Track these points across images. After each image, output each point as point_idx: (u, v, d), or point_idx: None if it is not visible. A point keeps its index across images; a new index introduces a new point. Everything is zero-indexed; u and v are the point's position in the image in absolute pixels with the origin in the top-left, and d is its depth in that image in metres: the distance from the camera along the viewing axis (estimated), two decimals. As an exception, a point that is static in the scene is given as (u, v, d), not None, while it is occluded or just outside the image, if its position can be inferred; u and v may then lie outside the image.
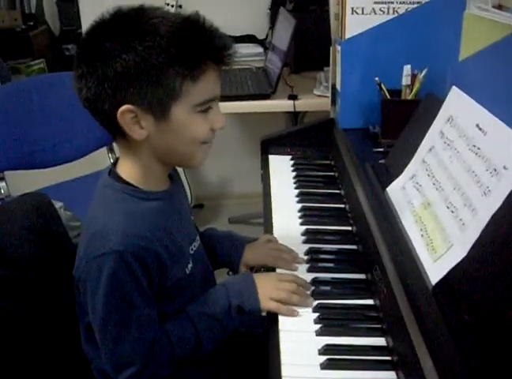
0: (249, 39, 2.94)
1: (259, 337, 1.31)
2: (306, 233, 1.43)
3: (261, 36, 2.99)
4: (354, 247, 1.37)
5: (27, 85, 2.44)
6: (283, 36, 2.44)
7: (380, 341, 1.08)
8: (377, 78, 1.63)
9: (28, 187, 2.23)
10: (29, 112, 2.34)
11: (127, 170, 1.13)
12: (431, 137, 1.21)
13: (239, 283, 1.20)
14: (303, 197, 1.62)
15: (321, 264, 1.32)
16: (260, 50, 2.89)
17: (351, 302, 1.19)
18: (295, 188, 1.68)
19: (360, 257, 1.33)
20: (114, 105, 1.03)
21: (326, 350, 1.05)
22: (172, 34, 1.01)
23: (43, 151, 2.39)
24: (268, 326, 1.15)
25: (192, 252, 1.21)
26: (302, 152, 1.88)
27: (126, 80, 1.01)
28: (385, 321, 1.10)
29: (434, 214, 1.08)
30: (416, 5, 1.65)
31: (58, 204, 1.28)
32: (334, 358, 1.03)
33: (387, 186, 1.30)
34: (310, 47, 2.59)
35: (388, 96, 1.63)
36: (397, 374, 0.99)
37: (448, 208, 1.04)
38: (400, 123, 1.44)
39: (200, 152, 1.13)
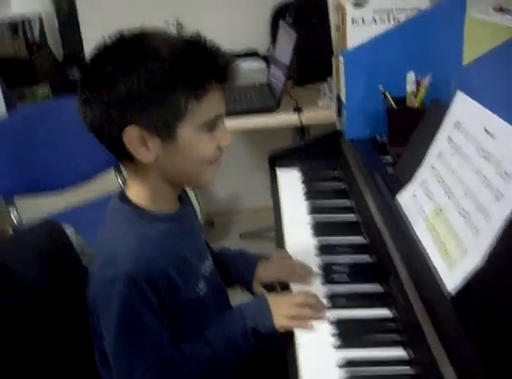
0: (250, 54, 2.94)
1: (277, 352, 1.30)
2: (318, 246, 1.42)
3: (262, 51, 3.00)
4: (368, 258, 1.36)
5: (32, 112, 2.47)
6: (285, 50, 2.45)
7: (400, 353, 1.06)
8: (381, 87, 1.63)
9: (38, 212, 2.24)
10: (35, 138, 2.36)
11: (136, 192, 1.13)
12: (439, 143, 1.21)
13: (253, 305, 1.20)
14: (313, 209, 1.61)
15: (335, 277, 1.31)
16: (262, 64, 2.90)
17: (367, 313, 1.17)
18: (306, 201, 1.67)
19: (375, 268, 1.32)
20: (119, 129, 1.03)
21: (345, 363, 1.04)
22: (174, 56, 1.02)
23: (51, 176, 2.40)
24: (285, 341, 1.14)
25: (204, 272, 1.21)
26: (310, 165, 1.87)
27: (131, 103, 1.01)
28: (403, 332, 1.09)
29: (447, 220, 1.07)
30: (416, 12, 1.65)
31: (69, 230, 1.28)
32: (354, 371, 1.02)
33: (397, 195, 1.29)
34: (313, 59, 2.59)
35: (393, 104, 1.62)
36: (419, 386, 0.98)
37: (460, 213, 1.03)
38: (407, 131, 1.43)
39: (208, 172, 1.13)
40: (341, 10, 1.69)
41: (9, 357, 1.10)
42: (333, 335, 1.12)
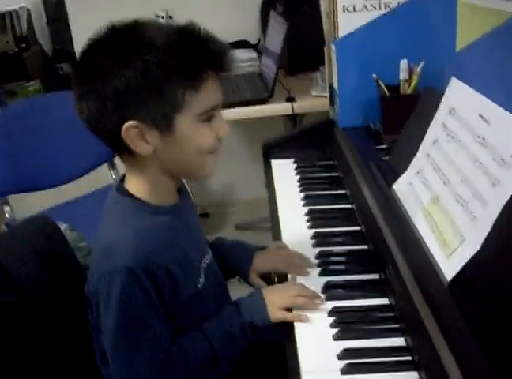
0: (241, 44, 2.93)
1: (276, 344, 1.30)
2: (315, 236, 1.42)
3: (253, 41, 2.99)
4: (365, 247, 1.36)
5: (23, 108, 2.45)
6: (275, 39, 2.43)
7: (399, 341, 1.06)
8: (374, 75, 1.62)
9: (31, 209, 2.23)
10: (27, 135, 2.35)
11: (135, 185, 1.12)
12: (434, 131, 1.20)
13: (249, 299, 1.19)
14: (308, 199, 1.60)
15: (332, 267, 1.30)
16: (253, 54, 2.88)
17: (366, 303, 1.17)
18: (301, 191, 1.66)
19: (372, 257, 1.31)
20: (117, 123, 1.02)
21: (345, 354, 1.03)
22: (169, 45, 1.00)
23: (44, 173, 2.39)
24: (284, 333, 1.14)
25: (204, 266, 1.20)
26: (304, 155, 1.86)
27: (128, 96, 1.00)
28: (402, 320, 1.09)
29: (444, 208, 1.07)
30: (407, -1, 1.64)
31: (63, 226, 1.27)
32: (354, 362, 1.02)
33: (393, 183, 1.29)
34: (304, 48, 2.58)
35: (386, 92, 1.62)
36: (419, 374, 0.97)
37: (457, 201, 1.03)
38: (401, 118, 1.42)
39: (208, 163, 1.12)
40: (332, -2, 1.68)
41: (7, 355, 1.09)
42: (332, 325, 1.11)
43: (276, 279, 1.35)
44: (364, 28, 1.64)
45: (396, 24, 1.64)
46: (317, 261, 1.32)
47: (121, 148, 1.06)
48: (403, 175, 1.26)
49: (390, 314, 1.13)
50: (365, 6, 1.66)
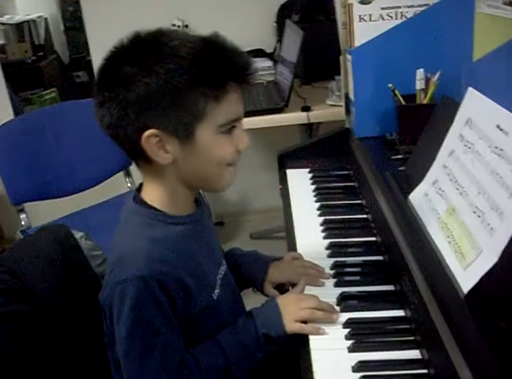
0: (257, 53, 2.94)
1: (291, 355, 1.29)
2: (330, 246, 1.41)
3: (269, 50, 2.99)
4: (380, 258, 1.35)
5: (39, 116, 2.47)
6: (291, 48, 2.44)
7: (415, 354, 1.05)
8: (390, 84, 1.61)
9: (47, 216, 2.24)
10: (43, 143, 2.37)
11: (152, 194, 1.12)
12: (451, 141, 1.19)
13: (264, 311, 1.18)
14: (324, 209, 1.60)
15: (347, 278, 1.29)
16: (269, 63, 2.89)
17: (381, 314, 1.16)
18: (316, 201, 1.66)
19: (387, 268, 1.30)
20: (137, 130, 1.02)
21: (360, 366, 1.02)
22: (193, 55, 1.00)
23: (60, 181, 2.41)
24: (299, 345, 1.13)
25: (220, 276, 1.20)
26: (319, 164, 1.86)
27: (149, 104, 1.00)
28: (418, 333, 1.08)
29: (461, 220, 1.06)
30: (423, 8, 1.63)
31: (78, 234, 1.27)
32: (369, 374, 1.01)
33: (409, 194, 1.28)
34: (320, 57, 2.58)
35: (402, 102, 1.61)
36: (435, 387, 0.96)
37: (474, 212, 1.02)
38: (417, 128, 1.42)
39: (226, 175, 1.11)
40: (348, 7, 1.67)
41: (24, 364, 1.10)
42: (347, 337, 1.10)
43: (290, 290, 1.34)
44: (380, 38, 1.64)
45: (412, 33, 1.63)
46: (332, 272, 1.31)
47: (139, 156, 1.07)
48: (419, 186, 1.25)
49: (406, 326, 1.12)
50: (381, 16, 1.66)
